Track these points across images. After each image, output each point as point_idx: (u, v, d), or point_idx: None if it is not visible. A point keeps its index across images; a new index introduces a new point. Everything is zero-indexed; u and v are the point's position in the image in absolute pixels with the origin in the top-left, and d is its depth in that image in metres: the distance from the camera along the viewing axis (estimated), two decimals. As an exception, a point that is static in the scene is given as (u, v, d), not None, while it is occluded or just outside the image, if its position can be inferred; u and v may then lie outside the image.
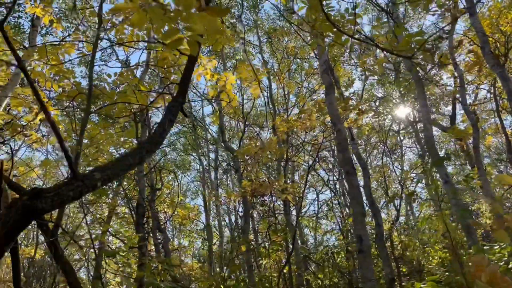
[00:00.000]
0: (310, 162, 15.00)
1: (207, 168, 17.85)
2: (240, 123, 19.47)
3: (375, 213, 8.95)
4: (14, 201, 1.59)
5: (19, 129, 6.11)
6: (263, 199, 12.03)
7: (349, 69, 15.61)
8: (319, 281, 10.69)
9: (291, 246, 8.70)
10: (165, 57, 5.15)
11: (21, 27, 9.95)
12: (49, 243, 4.06)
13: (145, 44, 6.00)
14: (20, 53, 7.18)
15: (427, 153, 15.39)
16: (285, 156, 11.87)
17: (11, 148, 5.02)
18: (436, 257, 9.76)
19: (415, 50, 4.36)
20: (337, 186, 16.01)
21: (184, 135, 18.57)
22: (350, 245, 10.12)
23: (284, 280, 9.30)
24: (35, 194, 1.59)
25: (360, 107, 7.98)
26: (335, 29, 4.57)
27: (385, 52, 5.84)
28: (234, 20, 13.51)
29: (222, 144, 18.41)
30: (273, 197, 11.78)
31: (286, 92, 14.18)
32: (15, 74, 7.43)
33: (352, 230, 12.51)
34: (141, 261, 6.60)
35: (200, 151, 17.43)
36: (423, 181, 12.77)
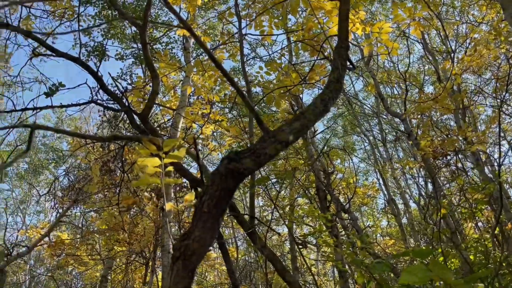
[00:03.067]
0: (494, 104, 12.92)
1: (374, 145, 17.05)
2: (396, 87, 18.13)
3: None
4: (214, 171, 1.51)
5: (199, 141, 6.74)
6: (446, 159, 10.80)
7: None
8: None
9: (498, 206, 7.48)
10: (309, 27, 4.94)
11: (176, 56, 11.02)
12: (249, 234, 4.22)
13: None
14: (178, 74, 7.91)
15: None
16: (461, 105, 10.45)
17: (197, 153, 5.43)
18: None
19: None
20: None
21: (340, 116, 18.22)
22: None
23: (498, 241, 8.06)
24: (233, 157, 1.49)
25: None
26: None
27: None
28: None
29: (383, 116, 17.41)
30: (459, 155, 10.46)
31: (442, 38, 12.55)
32: (182, 95, 8.22)
33: None
34: (335, 242, 6.50)
35: (362, 127, 16.78)
36: None
